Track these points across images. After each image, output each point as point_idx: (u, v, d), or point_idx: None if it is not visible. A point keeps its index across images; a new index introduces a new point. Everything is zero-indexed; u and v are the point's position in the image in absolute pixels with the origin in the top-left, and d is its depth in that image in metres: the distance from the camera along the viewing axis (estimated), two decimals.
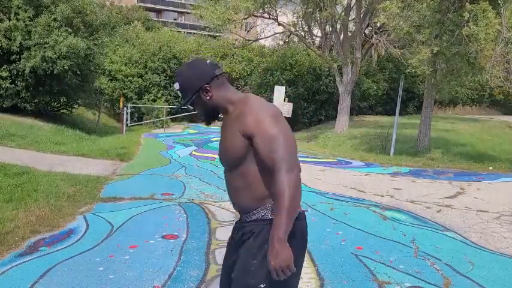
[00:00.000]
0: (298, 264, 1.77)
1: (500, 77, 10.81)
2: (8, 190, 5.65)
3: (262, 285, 1.68)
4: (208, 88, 1.77)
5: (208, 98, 1.78)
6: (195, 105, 1.83)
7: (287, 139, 1.64)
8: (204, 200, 6.01)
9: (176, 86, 1.82)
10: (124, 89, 22.67)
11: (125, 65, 23.39)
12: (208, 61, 1.83)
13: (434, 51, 10.04)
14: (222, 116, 1.87)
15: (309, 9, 20.63)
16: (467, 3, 9.73)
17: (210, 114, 1.86)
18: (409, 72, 13.86)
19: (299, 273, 1.79)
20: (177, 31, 29.26)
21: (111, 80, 22.93)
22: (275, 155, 1.60)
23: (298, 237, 1.73)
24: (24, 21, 13.23)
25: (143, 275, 3.40)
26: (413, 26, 10.90)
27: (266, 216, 1.72)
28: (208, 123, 1.90)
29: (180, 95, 1.84)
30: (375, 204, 6.10)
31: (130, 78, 23.18)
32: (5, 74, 13.06)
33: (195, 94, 1.78)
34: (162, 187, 6.79)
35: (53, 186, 6.15)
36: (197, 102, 1.81)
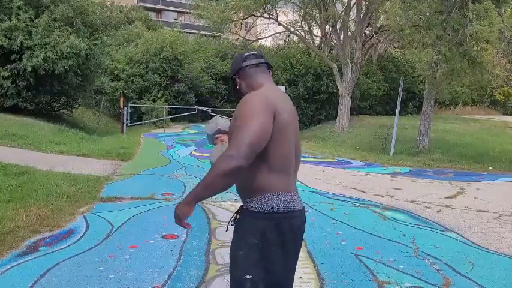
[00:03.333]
0: (289, 257, 1.79)
1: (501, 77, 10.81)
2: (8, 190, 5.65)
3: (247, 276, 1.71)
4: (235, 78, 1.96)
5: (237, 86, 1.96)
6: (235, 92, 2.00)
7: (255, 132, 1.64)
8: (204, 200, 6.00)
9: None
10: (125, 89, 22.67)
11: (127, 65, 23.41)
12: (246, 54, 2.00)
13: (443, 52, 10.03)
14: None
15: (309, 10, 20.63)
16: (469, 3, 9.73)
17: (238, 96, 1.97)
18: (409, 73, 13.86)
19: (289, 268, 1.82)
20: (178, 31, 29.20)
21: (113, 79, 22.92)
22: (234, 139, 1.66)
23: (285, 232, 1.75)
24: (24, 22, 13.24)
25: (143, 275, 3.40)
26: (415, 27, 10.90)
27: (253, 208, 1.75)
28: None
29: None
30: (375, 204, 6.10)
31: (132, 78, 23.20)
32: (6, 74, 13.06)
33: (232, 82, 2.00)
34: (162, 187, 6.79)
35: (53, 186, 6.14)
36: (234, 90, 2.00)
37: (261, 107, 1.71)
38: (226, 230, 1.92)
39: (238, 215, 1.84)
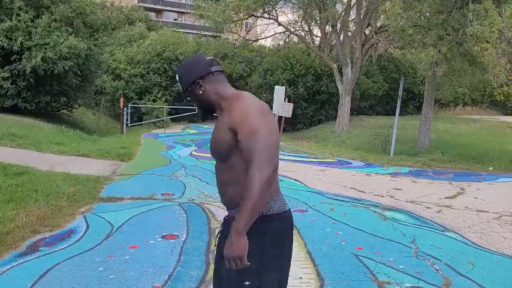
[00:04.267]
0: (285, 260, 1.79)
1: (502, 77, 10.82)
2: (8, 190, 5.65)
3: (247, 283, 1.69)
4: (200, 83, 1.83)
5: (201, 92, 1.83)
6: (191, 97, 1.89)
7: (268, 136, 1.62)
8: (204, 200, 6.01)
9: (177, 77, 1.94)
10: (125, 89, 22.67)
11: (129, 65, 23.43)
12: (208, 57, 1.89)
13: (443, 52, 10.02)
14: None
15: (309, 10, 20.63)
16: (470, 3, 9.74)
17: (204, 107, 1.89)
18: (409, 73, 13.87)
19: (285, 269, 1.81)
20: (178, 31, 29.23)
21: (114, 79, 22.93)
22: (252, 149, 1.59)
23: (282, 234, 1.75)
24: (25, 22, 13.25)
25: (143, 275, 3.40)
26: (415, 27, 10.90)
27: None
28: (204, 115, 1.95)
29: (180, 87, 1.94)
30: (374, 204, 6.10)
31: (132, 78, 23.22)
32: (6, 75, 13.07)
33: (189, 87, 1.86)
34: (162, 187, 6.79)
35: (53, 186, 6.15)
36: (192, 94, 1.87)
37: (262, 110, 1.70)
38: (215, 245, 1.88)
39: (222, 228, 1.83)
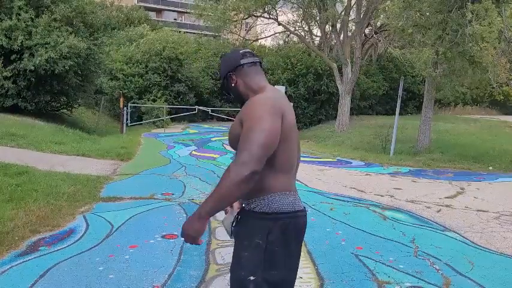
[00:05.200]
0: (293, 258, 1.79)
1: (502, 77, 10.81)
2: (8, 190, 5.64)
3: (251, 278, 1.69)
4: (232, 76, 1.87)
5: (232, 84, 1.88)
6: (226, 91, 1.95)
7: (266, 135, 1.61)
8: (204, 199, 6.00)
9: (218, 69, 2.07)
10: (124, 89, 22.66)
11: (126, 64, 23.39)
12: (242, 50, 1.94)
13: (441, 52, 10.02)
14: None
15: (309, 10, 20.62)
16: (468, 3, 9.73)
17: (238, 99, 1.92)
18: (409, 72, 13.87)
19: (291, 268, 1.81)
20: (178, 31, 29.23)
21: (112, 79, 22.93)
22: (242, 145, 1.61)
23: (290, 232, 1.75)
24: (25, 21, 13.25)
25: (143, 275, 3.40)
26: (415, 26, 10.90)
27: (257, 209, 1.73)
28: (239, 102, 1.97)
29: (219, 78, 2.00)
30: (375, 204, 6.10)
31: (130, 78, 23.18)
32: (7, 74, 13.07)
33: (224, 80, 1.92)
34: (162, 187, 6.79)
35: (53, 186, 6.14)
36: (226, 87, 1.93)
37: (270, 110, 1.68)
38: (231, 235, 1.87)
39: (239, 217, 1.83)
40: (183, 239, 1.68)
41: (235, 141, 1.76)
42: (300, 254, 1.85)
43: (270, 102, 1.72)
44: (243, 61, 1.87)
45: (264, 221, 1.71)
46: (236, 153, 1.64)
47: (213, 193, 1.61)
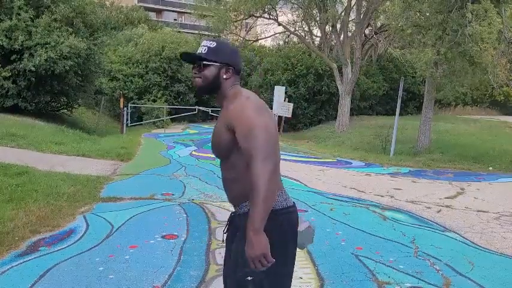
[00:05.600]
0: (289, 256, 1.79)
1: (502, 77, 10.81)
2: (8, 190, 5.64)
3: (249, 278, 1.70)
4: (230, 70, 1.82)
5: (224, 77, 1.81)
6: (205, 71, 1.80)
7: (266, 130, 1.62)
8: (204, 200, 6.01)
9: (211, 44, 1.82)
10: (124, 89, 22.67)
11: (125, 65, 23.39)
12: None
13: (442, 52, 10.02)
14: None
15: (309, 10, 20.63)
16: (468, 3, 9.73)
17: (208, 88, 1.84)
18: (409, 73, 13.86)
19: (289, 264, 1.81)
20: (178, 31, 29.21)
21: (111, 79, 22.93)
22: (251, 145, 1.59)
23: (287, 230, 1.75)
24: (25, 22, 13.25)
25: (143, 275, 3.40)
26: (415, 27, 10.90)
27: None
28: (199, 93, 1.92)
29: (201, 52, 1.82)
30: (375, 204, 6.10)
31: (130, 78, 23.18)
32: (7, 74, 13.07)
33: (219, 63, 1.80)
34: (162, 187, 6.78)
35: (53, 186, 6.14)
36: (210, 70, 1.80)
37: (259, 108, 1.71)
38: (222, 240, 1.87)
39: (234, 221, 1.83)
40: (255, 267, 1.56)
41: (221, 148, 1.76)
42: (295, 257, 1.85)
43: (255, 102, 1.74)
44: (242, 65, 1.90)
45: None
46: (248, 157, 1.60)
47: (253, 202, 1.55)
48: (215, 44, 1.82)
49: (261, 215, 1.54)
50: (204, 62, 1.79)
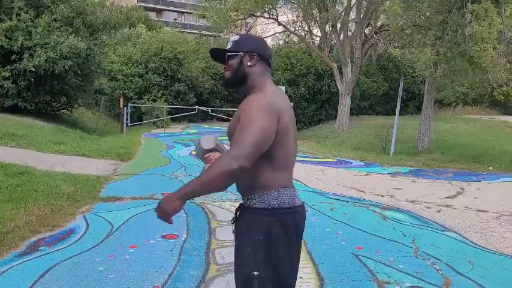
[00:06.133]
0: (294, 254, 1.79)
1: (502, 77, 10.80)
2: (8, 190, 5.64)
3: (255, 273, 1.70)
4: (255, 57, 1.81)
5: (248, 64, 1.81)
6: (232, 62, 1.83)
7: (260, 133, 1.62)
8: (204, 200, 6.01)
9: (235, 38, 1.87)
10: (124, 89, 22.67)
11: (125, 65, 23.39)
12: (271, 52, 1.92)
13: (441, 52, 10.02)
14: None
15: (309, 10, 20.63)
16: (468, 4, 9.73)
17: (235, 79, 1.85)
18: (409, 73, 13.86)
19: (293, 263, 1.81)
20: (178, 31, 29.20)
21: (111, 79, 22.94)
22: (238, 139, 1.61)
23: (291, 228, 1.75)
24: (25, 22, 13.25)
25: (143, 275, 3.40)
26: (414, 27, 10.90)
27: (256, 205, 1.74)
28: (226, 85, 1.91)
29: (227, 47, 1.85)
30: (375, 204, 6.10)
31: (130, 78, 23.18)
32: (7, 74, 13.07)
33: (242, 52, 1.81)
34: (162, 187, 6.79)
35: (53, 186, 6.14)
36: (235, 61, 1.82)
37: (267, 109, 1.68)
38: (233, 231, 1.87)
39: (239, 213, 1.83)
40: (156, 213, 1.67)
41: (231, 136, 1.77)
42: (300, 250, 1.86)
43: (266, 101, 1.72)
44: (270, 53, 1.85)
45: (263, 217, 1.72)
46: (230, 145, 1.66)
47: (198, 178, 1.62)
48: (238, 37, 1.88)
49: (190, 191, 1.61)
50: (229, 54, 1.83)
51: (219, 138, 2.00)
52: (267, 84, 1.81)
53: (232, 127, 1.78)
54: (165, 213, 1.65)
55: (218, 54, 1.89)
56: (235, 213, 1.85)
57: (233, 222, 1.86)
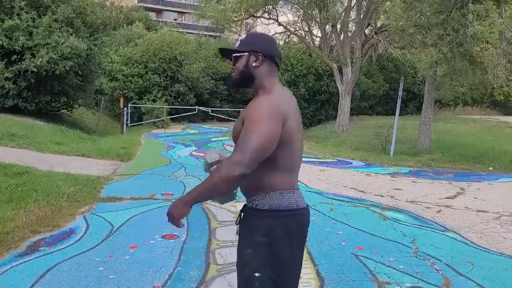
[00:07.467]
0: (296, 256, 1.80)
1: (502, 77, 10.79)
2: (8, 190, 5.65)
3: (256, 274, 1.70)
4: (260, 57, 1.78)
5: (254, 65, 1.79)
6: (238, 62, 1.82)
7: (261, 140, 1.61)
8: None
9: (242, 37, 1.88)
10: (124, 89, 22.67)
11: (125, 65, 23.39)
12: (280, 50, 1.90)
13: (445, 52, 10.00)
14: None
15: (309, 10, 20.63)
16: (469, 4, 9.73)
17: (242, 80, 1.83)
18: (409, 73, 13.85)
19: (295, 265, 1.82)
20: (178, 31, 29.18)
21: (111, 80, 22.95)
22: (239, 144, 1.62)
23: (294, 230, 1.75)
24: (26, 22, 13.25)
25: (143, 275, 3.40)
26: (415, 27, 10.89)
27: (259, 207, 1.74)
28: (233, 86, 1.90)
29: (236, 47, 1.84)
30: (375, 204, 6.10)
31: (130, 78, 23.19)
32: (9, 75, 13.08)
33: (247, 52, 1.79)
34: (162, 187, 6.79)
35: (53, 186, 6.14)
36: (242, 61, 1.81)
37: (272, 115, 1.66)
38: (236, 232, 1.87)
39: (243, 214, 1.83)
40: (167, 218, 1.77)
41: (236, 138, 1.76)
42: (303, 252, 1.85)
43: (272, 105, 1.69)
44: (278, 60, 1.83)
45: (266, 218, 1.72)
46: (235, 147, 1.66)
47: (201, 183, 1.67)
48: (245, 36, 1.87)
49: (194, 197, 1.68)
50: (235, 54, 1.82)
51: (222, 140, 1.99)
52: (274, 85, 1.78)
53: (237, 129, 1.77)
54: (174, 218, 1.74)
55: (227, 54, 1.88)
56: (240, 214, 1.85)
57: (237, 223, 1.86)
